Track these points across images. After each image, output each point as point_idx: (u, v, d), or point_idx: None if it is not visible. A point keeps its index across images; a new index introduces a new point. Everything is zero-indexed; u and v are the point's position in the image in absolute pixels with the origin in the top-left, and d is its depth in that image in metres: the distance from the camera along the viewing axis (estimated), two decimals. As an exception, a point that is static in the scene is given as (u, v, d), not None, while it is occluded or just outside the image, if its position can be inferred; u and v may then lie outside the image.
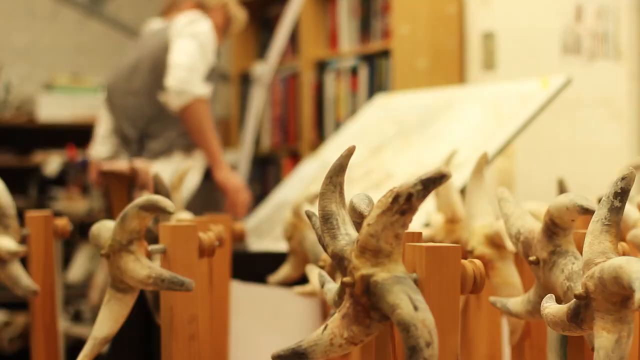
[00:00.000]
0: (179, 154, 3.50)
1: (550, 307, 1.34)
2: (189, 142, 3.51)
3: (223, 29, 3.72)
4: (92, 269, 5.24)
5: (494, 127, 3.20)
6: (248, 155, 4.11)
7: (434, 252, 1.28)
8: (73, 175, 5.09)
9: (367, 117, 3.93)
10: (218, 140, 3.54)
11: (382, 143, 3.57)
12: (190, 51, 3.43)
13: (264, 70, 4.04)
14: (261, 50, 5.29)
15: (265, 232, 3.48)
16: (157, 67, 3.54)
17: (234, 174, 3.59)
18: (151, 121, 3.54)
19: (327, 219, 1.34)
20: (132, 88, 3.61)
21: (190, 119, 3.42)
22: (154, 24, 3.78)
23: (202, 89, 3.43)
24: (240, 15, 3.81)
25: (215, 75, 3.61)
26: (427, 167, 3.20)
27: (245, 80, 5.35)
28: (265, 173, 5.24)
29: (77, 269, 5.23)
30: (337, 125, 4.59)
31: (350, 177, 3.33)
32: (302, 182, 3.70)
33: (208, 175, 3.55)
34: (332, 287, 1.44)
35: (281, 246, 3.20)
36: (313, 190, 2.45)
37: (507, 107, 3.25)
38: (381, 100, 4.00)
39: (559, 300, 1.38)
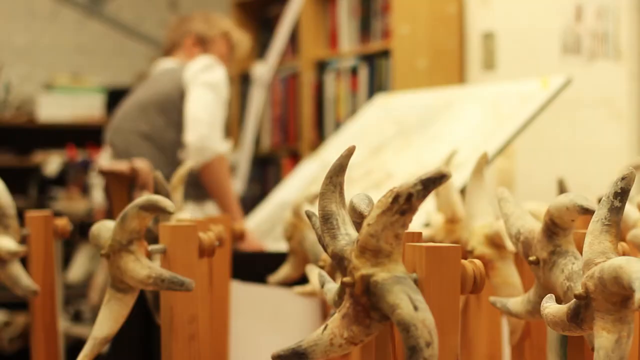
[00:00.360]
0: (191, 203, 3.43)
1: (550, 307, 1.34)
2: (200, 193, 3.46)
3: (227, 57, 3.68)
4: (92, 269, 5.24)
5: (494, 127, 3.20)
6: (248, 156, 4.11)
7: (434, 252, 1.28)
8: (73, 175, 5.09)
9: (367, 117, 3.93)
10: (235, 196, 3.50)
11: (382, 143, 3.57)
12: (209, 104, 3.37)
13: (263, 70, 4.03)
14: (261, 50, 5.29)
15: (265, 232, 3.48)
16: (168, 109, 3.47)
17: (251, 230, 3.52)
18: (157, 167, 3.46)
19: (327, 219, 1.34)
20: (139, 129, 3.52)
21: (210, 175, 3.38)
22: (163, 64, 3.71)
23: (223, 146, 3.37)
24: (244, 40, 3.77)
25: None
26: (427, 167, 3.20)
27: (245, 81, 5.35)
28: (265, 173, 5.24)
29: (77, 269, 5.23)
30: (337, 125, 4.59)
31: (350, 177, 3.33)
32: (302, 182, 3.70)
33: None
34: (332, 287, 1.44)
35: (281, 246, 3.20)
36: (313, 190, 2.45)
37: (507, 107, 3.25)
38: (381, 100, 4.00)
39: (559, 300, 1.38)
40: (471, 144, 3.13)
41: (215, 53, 3.64)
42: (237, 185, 3.98)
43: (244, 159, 4.15)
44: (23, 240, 2.17)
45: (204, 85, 3.41)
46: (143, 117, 3.53)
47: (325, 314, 2.65)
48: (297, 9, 4.10)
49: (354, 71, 4.55)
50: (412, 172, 3.22)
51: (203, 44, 3.64)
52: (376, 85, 4.41)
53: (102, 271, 4.95)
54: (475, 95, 3.50)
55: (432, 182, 1.24)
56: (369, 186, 3.32)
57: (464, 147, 3.04)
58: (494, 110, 3.29)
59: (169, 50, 3.76)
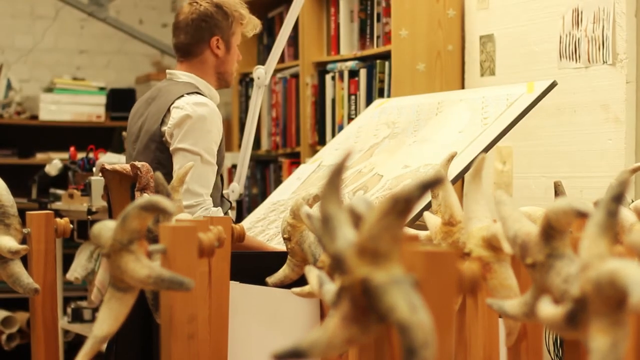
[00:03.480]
0: None
1: (547, 309, 1.35)
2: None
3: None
4: (92, 269, 5.24)
5: (479, 130, 3.24)
6: (247, 157, 4.10)
7: (431, 256, 1.29)
8: (74, 176, 5.09)
9: (363, 120, 3.95)
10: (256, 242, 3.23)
11: (375, 145, 3.60)
12: (197, 177, 3.16)
13: (261, 72, 4.03)
14: (261, 52, 5.30)
15: (259, 232, 3.49)
16: (152, 142, 3.29)
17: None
18: None
19: (326, 220, 1.35)
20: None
21: None
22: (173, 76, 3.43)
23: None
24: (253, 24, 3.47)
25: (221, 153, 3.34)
26: (416, 169, 3.23)
27: (245, 82, 5.36)
28: (265, 174, 5.25)
29: (77, 268, 5.23)
30: (337, 127, 4.60)
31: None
32: (297, 183, 3.72)
33: None
34: (331, 288, 1.45)
35: (275, 246, 3.21)
36: (312, 192, 2.46)
37: (494, 111, 3.29)
38: (378, 103, 4.02)
39: (555, 303, 1.39)
40: (458, 146, 3.16)
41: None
42: (235, 186, 3.98)
43: (243, 161, 4.15)
44: (24, 239, 2.18)
45: (190, 147, 3.20)
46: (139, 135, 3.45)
47: (323, 315, 2.66)
48: (298, 11, 4.10)
49: (353, 74, 4.56)
50: (401, 174, 3.25)
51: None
52: (375, 88, 4.43)
53: (102, 270, 4.94)
54: (465, 99, 3.52)
55: (430, 185, 1.25)
56: (359, 187, 3.34)
57: (451, 149, 3.06)
58: (481, 113, 3.33)
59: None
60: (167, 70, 3.49)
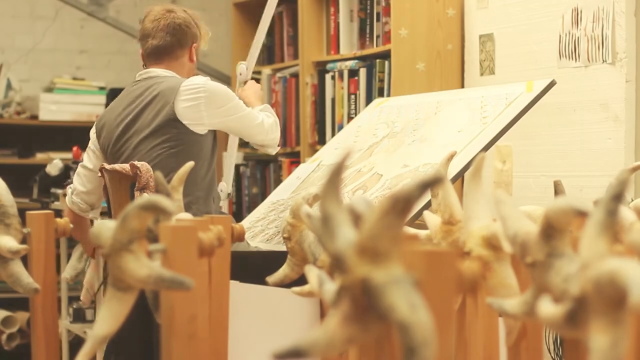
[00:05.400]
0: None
1: (547, 308, 1.35)
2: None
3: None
4: (81, 269, 5.23)
5: (479, 129, 3.24)
6: (234, 156, 4.09)
7: (431, 256, 1.29)
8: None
9: (362, 119, 3.95)
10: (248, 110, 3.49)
11: (374, 144, 3.60)
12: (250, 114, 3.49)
13: (243, 68, 4.01)
14: (261, 52, 5.30)
15: (258, 232, 3.49)
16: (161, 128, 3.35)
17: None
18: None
19: (326, 220, 1.35)
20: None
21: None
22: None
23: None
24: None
25: None
26: (415, 168, 3.23)
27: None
28: (265, 174, 5.26)
29: (68, 268, 5.23)
30: (336, 127, 4.61)
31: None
32: (296, 183, 3.72)
33: None
34: (331, 287, 1.45)
35: (274, 245, 3.21)
36: (311, 191, 2.46)
37: (492, 110, 3.29)
38: (377, 103, 4.02)
39: (555, 302, 1.39)
40: (457, 146, 3.17)
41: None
42: (222, 185, 3.95)
43: (230, 159, 4.12)
44: (24, 239, 2.18)
45: (235, 114, 3.49)
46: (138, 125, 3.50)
47: (323, 315, 2.66)
48: (274, 4, 4.04)
49: (353, 73, 4.57)
50: (401, 174, 3.25)
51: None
52: (375, 88, 4.43)
53: (90, 271, 4.93)
54: (464, 98, 3.53)
55: (430, 185, 1.25)
56: (358, 187, 3.34)
57: (450, 148, 3.07)
58: (480, 112, 3.33)
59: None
60: (145, 70, 3.47)
